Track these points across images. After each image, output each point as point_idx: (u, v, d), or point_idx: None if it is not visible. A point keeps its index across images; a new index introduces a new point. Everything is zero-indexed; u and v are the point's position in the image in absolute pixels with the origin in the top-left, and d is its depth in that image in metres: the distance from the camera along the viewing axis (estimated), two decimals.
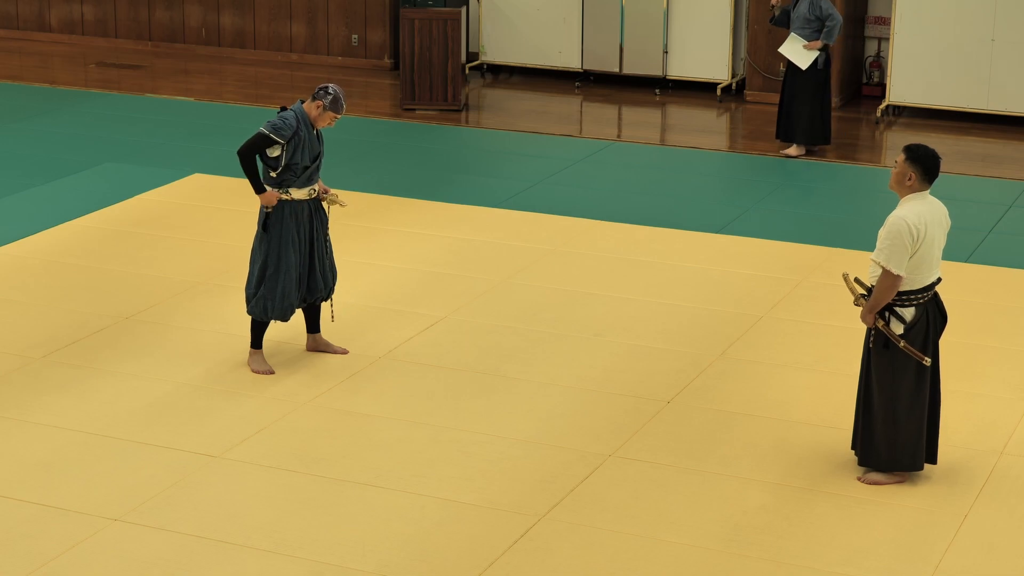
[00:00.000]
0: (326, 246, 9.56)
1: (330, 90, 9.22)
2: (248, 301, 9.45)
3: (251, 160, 9.19)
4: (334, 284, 9.67)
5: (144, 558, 7.40)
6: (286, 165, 9.22)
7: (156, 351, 9.81)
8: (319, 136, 9.39)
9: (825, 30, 14.05)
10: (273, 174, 9.25)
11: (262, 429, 8.76)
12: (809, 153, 14.58)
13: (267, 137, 9.16)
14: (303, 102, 9.31)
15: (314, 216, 9.47)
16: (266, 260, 9.35)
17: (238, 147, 9.21)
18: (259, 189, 9.26)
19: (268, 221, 9.33)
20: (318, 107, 9.22)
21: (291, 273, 9.34)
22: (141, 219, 12.38)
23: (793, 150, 14.53)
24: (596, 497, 8.02)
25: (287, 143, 9.16)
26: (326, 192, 9.50)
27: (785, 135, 14.56)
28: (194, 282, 10.98)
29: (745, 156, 14.76)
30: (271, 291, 9.34)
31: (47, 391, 9.21)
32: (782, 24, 14.41)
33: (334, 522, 7.74)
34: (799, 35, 14.18)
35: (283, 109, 9.29)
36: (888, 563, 7.41)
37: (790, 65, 14.34)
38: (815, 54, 14.15)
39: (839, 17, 14.08)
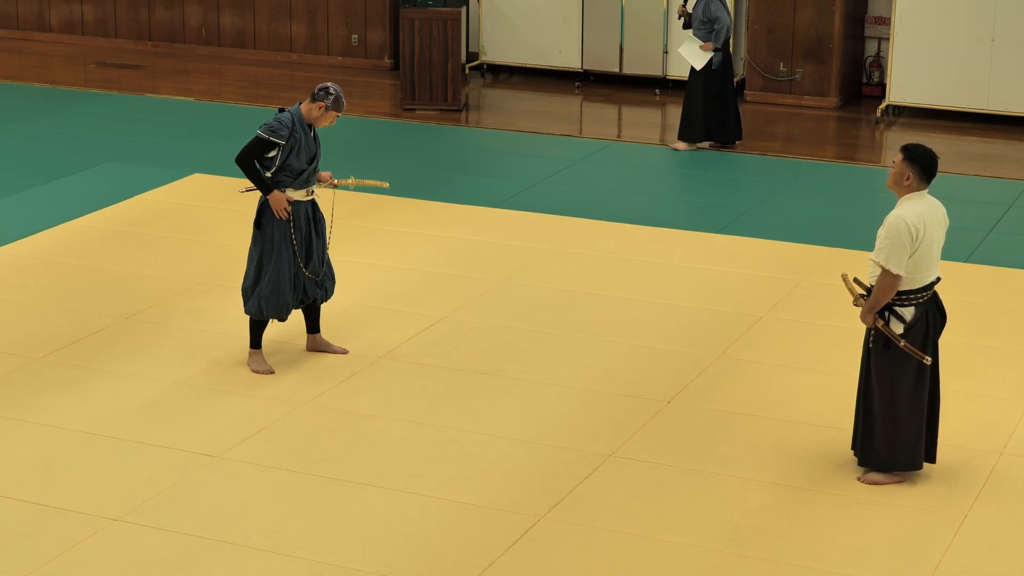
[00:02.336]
0: (324, 248, 9.55)
1: (331, 90, 9.22)
2: (245, 300, 9.46)
3: (250, 165, 9.19)
4: (332, 288, 9.65)
5: (144, 558, 7.40)
6: (280, 166, 9.22)
7: (156, 351, 9.81)
8: (316, 137, 9.38)
9: (713, 33, 14.24)
10: (268, 175, 9.24)
11: (262, 429, 8.76)
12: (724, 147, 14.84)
13: (265, 140, 9.15)
14: (302, 103, 9.31)
15: (311, 217, 9.46)
16: (261, 259, 9.35)
17: (236, 153, 9.21)
18: (267, 190, 9.25)
19: (262, 219, 9.33)
20: (320, 108, 9.21)
21: (285, 272, 9.33)
22: (141, 219, 12.38)
23: (681, 145, 14.77)
24: (596, 497, 8.02)
25: (284, 144, 9.16)
26: (334, 181, 9.53)
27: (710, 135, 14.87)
28: (194, 282, 10.99)
29: (745, 156, 14.76)
30: (266, 290, 9.34)
31: (47, 391, 9.21)
32: (687, 27, 14.73)
33: (334, 522, 7.74)
34: (696, 36, 14.46)
35: (281, 111, 9.28)
36: (888, 563, 7.42)
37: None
38: (710, 54, 14.36)
39: (727, 20, 14.30)
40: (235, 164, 9.24)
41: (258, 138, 9.16)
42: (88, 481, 8.13)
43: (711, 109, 14.59)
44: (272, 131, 9.14)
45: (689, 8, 14.64)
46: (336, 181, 9.64)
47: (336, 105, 9.23)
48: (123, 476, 8.19)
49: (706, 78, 14.47)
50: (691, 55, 14.48)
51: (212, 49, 18.89)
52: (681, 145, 14.78)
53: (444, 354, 9.81)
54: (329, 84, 9.26)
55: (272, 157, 9.19)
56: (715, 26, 14.26)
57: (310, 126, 9.29)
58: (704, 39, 14.37)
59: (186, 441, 8.59)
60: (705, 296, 10.84)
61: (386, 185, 9.98)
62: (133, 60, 18.60)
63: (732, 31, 14.45)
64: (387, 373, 9.53)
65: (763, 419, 8.93)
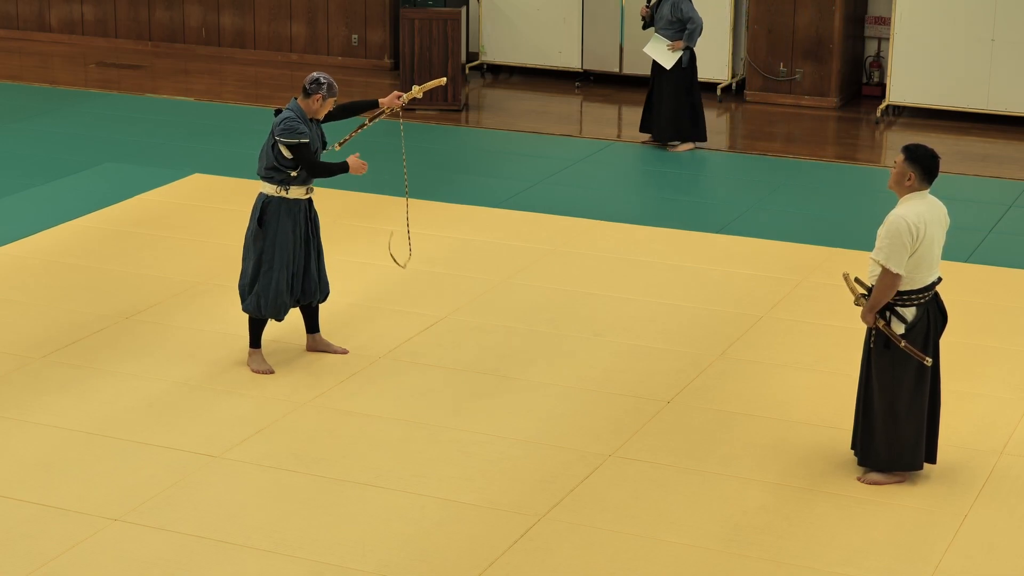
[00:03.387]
0: (319, 249, 9.55)
1: (321, 80, 9.24)
2: (243, 297, 9.46)
3: (320, 165, 9.24)
4: (328, 288, 9.64)
5: (144, 558, 7.40)
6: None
7: (156, 351, 9.81)
8: (320, 132, 9.40)
9: (686, 32, 14.29)
10: (293, 174, 9.24)
11: (262, 429, 8.76)
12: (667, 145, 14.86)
13: (303, 144, 9.15)
14: (297, 99, 9.30)
15: (308, 216, 9.47)
16: (260, 257, 9.35)
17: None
18: (342, 167, 9.28)
19: (264, 217, 9.33)
20: (318, 99, 9.22)
21: (284, 271, 9.34)
22: (141, 219, 12.38)
23: (682, 147, 14.76)
24: (596, 497, 8.02)
25: (307, 140, 9.18)
26: (403, 100, 9.64)
27: (647, 128, 14.85)
28: (194, 282, 10.99)
29: (745, 156, 14.76)
30: (264, 289, 9.34)
31: (47, 391, 9.21)
32: (648, 27, 14.72)
33: (334, 522, 7.74)
34: (663, 35, 14.41)
35: (278, 111, 9.29)
36: (888, 563, 7.42)
37: (655, 63, 14.55)
38: (679, 54, 14.40)
39: (700, 20, 14.33)
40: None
41: (300, 146, 9.12)
42: (88, 481, 8.13)
43: (683, 108, 14.58)
44: (296, 132, 9.14)
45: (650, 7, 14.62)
46: (404, 97, 9.64)
47: (331, 92, 9.26)
48: (123, 476, 8.19)
49: (677, 77, 14.47)
50: (659, 55, 14.46)
51: (212, 49, 18.89)
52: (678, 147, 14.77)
53: (444, 354, 9.81)
54: (318, 75, 9.26)
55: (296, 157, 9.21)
56: (688, 26, 14.25)
57: (312, 120, 9.30)
58: (672, 38, 14.36)
59: (186, 441, 8.59)
60: (705, 296, 10.84)
61: (443, 81, 10.03)
62: (133, 60, 18.60)
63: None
64: (387, 373, 9.53)
65: (763, 419, 8.93)
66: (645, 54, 14.69)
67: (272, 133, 9.23)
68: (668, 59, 14.41)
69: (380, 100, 9.70)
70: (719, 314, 10.52)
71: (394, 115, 9.72)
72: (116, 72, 18.03)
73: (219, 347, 9.84)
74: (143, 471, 8.25)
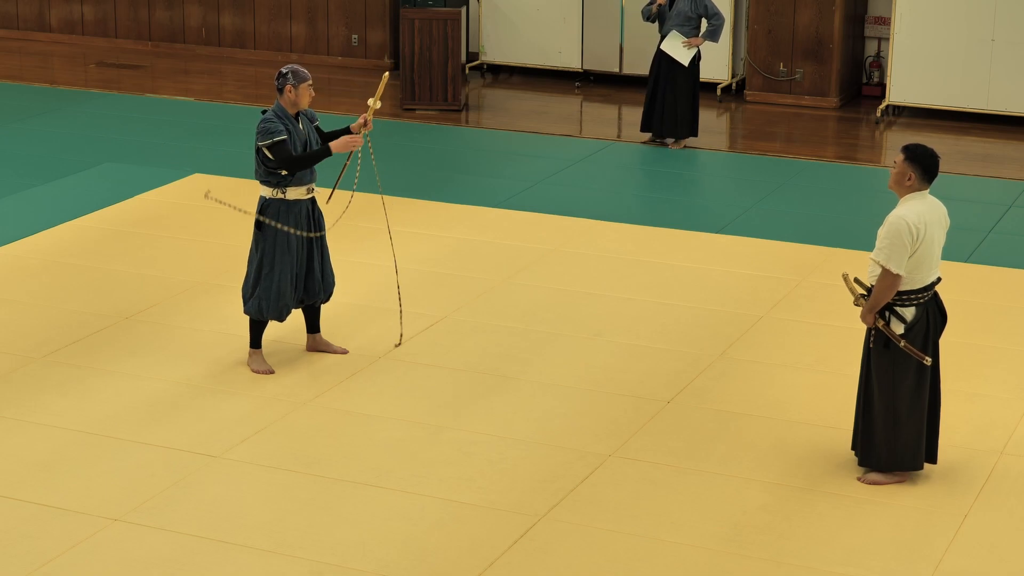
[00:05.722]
0: (324, 248, 9.56)
1: (283, 71, 9.24)
2: (244, 300, 9.46)
3: (296, 158, 9.15)
4: (332, 288, 9.66)
5: (144, 558, 7.40)
6: None
7: (156, 351, 9.81)
8: (306, 126, 9.37)
9: (709, 29, 14.32)
10: (283, 172, 9.24)
11: (262, 429, 8.76)
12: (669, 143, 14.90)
13: (277, 142, 9.13)
14: (278, 101, 9.30)
15: (311, 217, 9.47)
16: (262, 260, 9.36)
17: (285, 167, 9.16)
18: (325, 152, 9.21)
19: (263, 221, 9.33)
20: (290, 91, 9.22)
21: (286, 274, 9.34)
22: (141, 219, 12.38)
23: (675, 144, 14.77)
24: (596, 497, 8.02)
25: (287, 138, 9.17)
26: (368, 116, 9.53)
27: (650, 127, 14.82)
28: (194, 282, 10.99)
29: (745, 156, 14.76)
30: (266, 291, 9.34)
31: (47, 391, 9.21)
32: (653, 21, 14.64)
33: (334, 522, 7.74)
34: (680, 32, 14.40)
35: (264, 112, 9.30)
36: (888, 563, 7.42)
37: (660, 60, 14.53)
38: (695, 51, 14.40)
39: (724, 16, 14.27)
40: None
41: (277, 144, 9.11)
42: (88, 481, 8.13)
43: (695, 105, 14.59)
44: (273, 131, 9.14)
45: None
46: (368, 116, 9.57)
47: (297, 78, 9.22)
48: (123, 476, 8.19)
49: (691, 73, 14.47)
50: (677, 52, 14.45)
51: (212, 49, 18.89)
52: (680, 144, 14.79)
53: (444, 354, 9.81)
54: (281, 69, 9.27)
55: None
56: (712, 22, 14.25)
57: (296, 116, 9.29)
58: (688, 35, 14.36)
59: (186, 441, 8.59)
60: (705, 296, 10.84)
61: (386, 76, 9.93)
62: (133, 60, 18.60)
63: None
64: (387, 373, 9.53)
65: (763, 419, 8.93)
66: (648, 53, 14.68)
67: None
68: (686, 56, 14.40)
69: (351, 126, 9.57)
70: (719, 314, 10.52)
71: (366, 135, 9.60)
72: (116, 72, 18.03)
73: (219, 347, 9.84)
74: (143, 471, 8.25)
